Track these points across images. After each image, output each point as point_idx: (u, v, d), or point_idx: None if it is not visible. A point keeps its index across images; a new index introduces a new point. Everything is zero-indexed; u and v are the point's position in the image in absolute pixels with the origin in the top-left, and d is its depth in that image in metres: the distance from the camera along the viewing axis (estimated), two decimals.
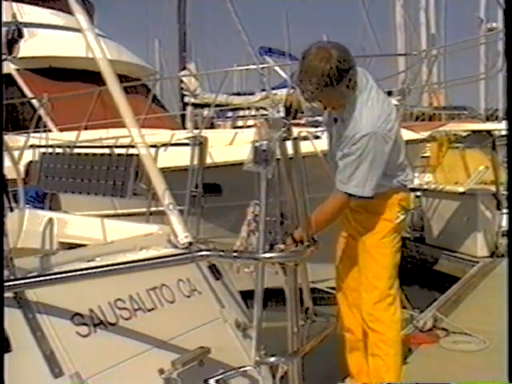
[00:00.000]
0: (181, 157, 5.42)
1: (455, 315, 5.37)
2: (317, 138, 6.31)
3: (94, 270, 2.14)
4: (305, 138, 5.87)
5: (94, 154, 5.87)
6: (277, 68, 11.43)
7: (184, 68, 14.50)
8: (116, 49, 10.93)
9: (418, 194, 9.41)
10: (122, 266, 2.17)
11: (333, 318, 7.31)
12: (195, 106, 12.30)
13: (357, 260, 3.56)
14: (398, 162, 3.41)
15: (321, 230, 2.96)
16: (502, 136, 8.37)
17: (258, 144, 2.02)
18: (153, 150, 5.75)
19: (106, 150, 6.21)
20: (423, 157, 9.09)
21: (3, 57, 9.87)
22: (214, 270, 2.86)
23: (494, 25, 20.26)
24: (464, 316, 5.38)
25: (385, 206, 3.41)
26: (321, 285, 6.64)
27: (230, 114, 13.16)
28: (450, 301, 5.90)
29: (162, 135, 7.31)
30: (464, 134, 10.02)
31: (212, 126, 11.54)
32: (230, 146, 6.97)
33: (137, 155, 3.37)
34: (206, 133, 6.52)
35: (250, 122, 11.33)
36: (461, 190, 8.30)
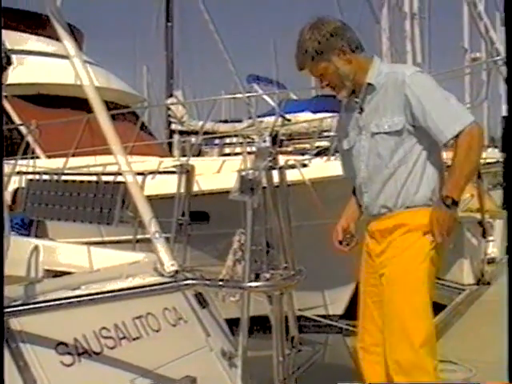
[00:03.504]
0: (168, 184, 5.45)
1: (442, 343, 5.35)
2: (304, 166, 6.37)
3: (80, 299, 2.13)
4: (292, 167, 5.94)
5: (82, 182, 5.88)
6: (265, 96, 11.54)
7: (171, 95, 14.59)
8: (105, 76, 10.99)
9: None
10: (107, 295, 2.17)
11: (319, 346, 7.32)
12: (182, 133, 12.36)
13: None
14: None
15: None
16: (488, 163, 8.45)
17: (243, 173, 2.04)
18: (140, 178, 5.81)
19: (94, 178, 6.22)
20: None
21: None
22: (201, 299, 2.86)
23: (478, 55, 20.60)
24: (450, 344, 5.37)
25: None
26: (307, 313, 6.65)
27: (217, 141, 13.22)
28: (436, 328, 5.90)
29: (150, 163, 7.33)
30: (449, 162, 10.06)
31: (199, 153, 11.58)
32: (218, 173, 6.99)
33: (124, 183, 3.38)
34: (193, 160, 6.55)
35: (238, 150, 11.39)
36: None
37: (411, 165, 2.82)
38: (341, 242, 3.14)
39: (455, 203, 2.72)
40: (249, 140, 9.80)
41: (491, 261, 8.45)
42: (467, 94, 23.01)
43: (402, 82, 2.76)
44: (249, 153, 6.41)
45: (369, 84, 2.88)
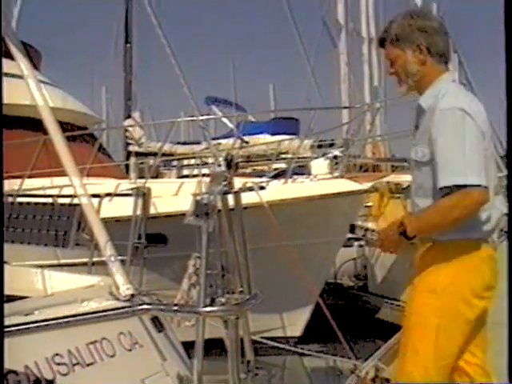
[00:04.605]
0: (125, 207, 5.42)
1: (396, 364, 5.41)
2: (262, 188, 6.41)
3: (32, 325, 2.10)
4: (250, 189, 5.97)
5: (37, 204, 5.80)
6: (223, 118, 11.60)
7: (129, 116, 14.55)
8: (61, 96, 10.88)
9: (362, 243, 9.55)
10: (60, 321, 2.15)
11: (277, 368, 7.30)
12: (140, 154, 12.31)
13: None
14: None
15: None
16: None
17: (198, 197, 2.05)
18: (96, 200, 5.77)
19: (49, 200, 6.14)
20: (366, 206, 9.27)
21: None
22: (157, 322, 2.84)
23: None
24: None
25: None
26: (266, 335, 6.64)
27: (175, 162, 13.21)
28: (392, 350, 5.95)
29: (107, 185, 7.27)
30: (405, 184, 10.28)
31: (157, 175, 11.54)
32: (176, 196, 6.98)
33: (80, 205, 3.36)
34: (151, 182, 6.53)
35: (196, 172, 11.40)
36: None
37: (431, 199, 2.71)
38: None
39: (404, 235, 2.66)
40: (205, 162, 9.83)
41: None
42: None
43: (433, 114, 2.66)
44: (205, 175, 6.42)
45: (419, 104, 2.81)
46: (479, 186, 2.51)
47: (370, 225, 9.91)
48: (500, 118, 2.70)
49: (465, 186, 2.50)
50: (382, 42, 2.89)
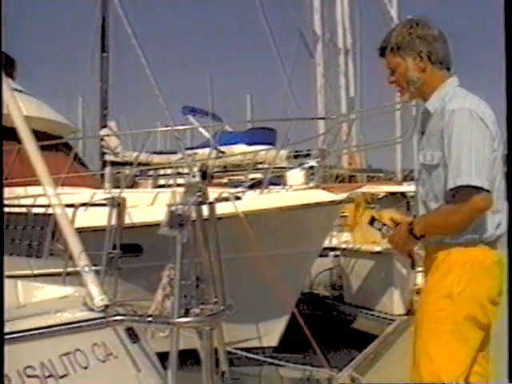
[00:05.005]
0: (100, 217, 5.39)
1: (371, 374, 5.45)
2: (238, 198, 6.41)
3: (4, 337, 2.08)
4: (225, 199, 5.98)
5: (10, 213, 5.74)
6: (200, 128, 11.60)
7: (105, 126, 14.49)
8: (36, 105, 10.80)
9: (337, 253, 9.60)
10: (33, 332, 2.13)
11: (252, 378, 7.28)
12: (116, 164, 12.25)
13: None
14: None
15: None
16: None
17: (173, 208, 2.06)
18: (71, 210, 5.73)
19: (24, 209, 6.09)
20: (342, 216, 9.33)
21: None
22: (131, 333, 2.82)
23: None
24: (380, 374, 5.46)
25: None
26: (241, 345, 6.63)
27: (151, 172, 13.17)
28: (367, 359, 5.99)
29: (83, 194, 7.23)
30: (380, 195, 10.36)
31: (133, 185, 11.50)
32: (152, 205, 6.95)
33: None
34: (127, 192, 6.51)
35: (172, 181, 11.37)
36: (377, 249, 8.52)
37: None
38: None
39: (412, 233, 2.74)
40: (182, 172, 9.81)
41: (420, 291, 8.65)
42: (398, 129, 23.73)
43: (442, 116, 2.68)
44: (180, 185, 6.41)
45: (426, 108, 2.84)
46: (482, 188, 2.52)
47: (346, 235, 10.01)
48: None
49: (469, 187, 2.51)
50: (382, 51, 2.92)
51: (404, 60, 2.81)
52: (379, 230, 3.12)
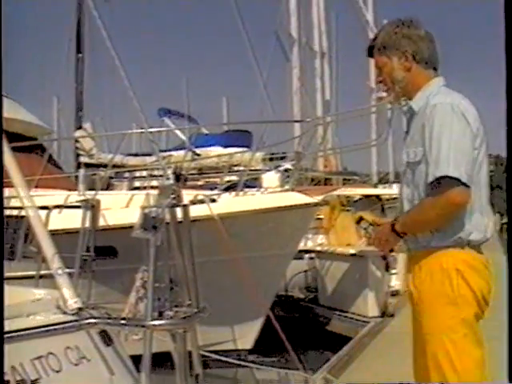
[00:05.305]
0: (74, 219, 5.35)
1: (345, 376, 5.48)
2: (213, 200, 6.41)
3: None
4: (201, 202, 5.97)
5: None
6: (176, 130, 11.58)
7: (80, 127, 14.38)
8: (10, 106, 10.69)
9: (312, 255, 9.64)
10: (4, 336, 2.11)
11: (227, 381, 7.27)
12: (91, 166, 12.17)
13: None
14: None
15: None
16: (394, 198, 8.76)
17: (146, 210, 2.06)
18: (45, 212, 5.68)
19: None
20: (317, 219, 9.37)
21: None
22: (105, 336, 2.81)
23: (384, 94, 21.44)
24: (354, 376, 5.49)
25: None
26: (216, 347, 6.63)
27: (127, 174, 13.10)
28: (341, 361, 6.02)
29: (57, 196, 7.17)
30: (355, 198, 10.42)
31: (108, 187, 11.43)
32: (127, 208, 6.92)
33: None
34: (102, 194, 6.46)
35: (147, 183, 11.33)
36: (352, 251, 8.57)
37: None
38: None
39: (394, 230, 2.76)
40: (156, 174, 9.78)
41: (395, 293, 8.72)
42: (373, 132, 23.94)
43: (424, 113, 2.69)
44: (153, 187, 6.39)
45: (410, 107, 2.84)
46: (459, 181, 2.51)
47: (321, 237, 10.05)
48: None
49: (446, 178, 2.51)
50: (370, 51, 2.94)
51: (390, 59, 2.83)
52: (365, 229, 3.15)
